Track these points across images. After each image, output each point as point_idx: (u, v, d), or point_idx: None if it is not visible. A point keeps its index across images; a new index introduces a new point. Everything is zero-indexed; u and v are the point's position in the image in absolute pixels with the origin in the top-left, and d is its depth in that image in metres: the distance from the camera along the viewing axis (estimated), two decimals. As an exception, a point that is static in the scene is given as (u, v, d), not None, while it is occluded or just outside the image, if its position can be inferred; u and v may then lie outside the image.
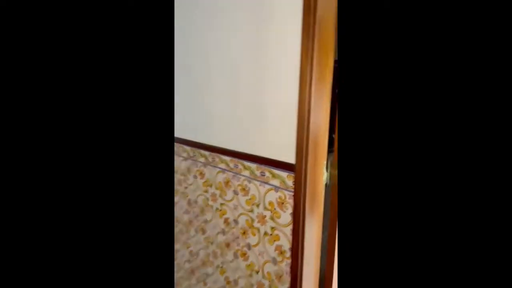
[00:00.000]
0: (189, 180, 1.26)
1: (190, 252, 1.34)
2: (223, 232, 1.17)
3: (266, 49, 0.88)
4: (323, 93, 0.86)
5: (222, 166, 1.11)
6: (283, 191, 0.91)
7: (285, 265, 0.95)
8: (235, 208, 1.10)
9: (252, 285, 1.08)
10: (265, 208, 0.98)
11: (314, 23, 0.78)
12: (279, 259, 0.96)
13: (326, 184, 0.97)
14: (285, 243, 0.94)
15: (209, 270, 1.27)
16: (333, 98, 0.97)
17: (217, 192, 1.16)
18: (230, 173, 1.08)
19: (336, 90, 0.98)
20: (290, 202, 0.89)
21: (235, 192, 1.08)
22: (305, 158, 0.83)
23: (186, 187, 1.29)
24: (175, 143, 1.28)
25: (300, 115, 0.82)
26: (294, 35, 0.81)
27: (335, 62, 0.94)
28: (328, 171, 0.95)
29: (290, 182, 0.88)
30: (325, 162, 0.94)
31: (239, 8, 0.94)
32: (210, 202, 1.20)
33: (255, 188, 1.00)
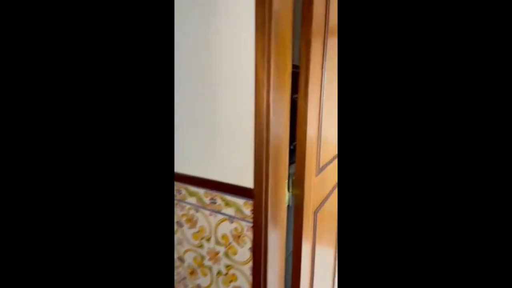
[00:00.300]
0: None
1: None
2: (166, 272, 0.93)
3: (212, 48, 0.71)
4: (283, 101, 0.72)
5: (161, 191, 0.88)
6: (240, 221, 0.74)
7: (244, 310, 0.78)
8: (180, 243, 0.88)
9: (204, 336, 0.87)
10: (218, 243, 0.79)
11: (270, 17, 0.64)
12: (237, 303, 0.79)
13: (288, 206, 0.83)
14: (244, 284, 0.77)
15: (149, 320, 1.01)
16: (292, 105, 0.85)
17: (156, 224, 0.92)
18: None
19: (294, 96, 0.87)
20: (248, 235, 0.73)
21: (179, 224, 0.87)
22: (265, 181, 0.68)
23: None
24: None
25: (257, 128, 0.67)
26: (246, 31, 0.66)
27: (293, 66, 0.83)
28: (290, 191, 0.82)
29: (247, 211, 0.72)
30: (286, 181, 0.80)
31: (176, -6, 0.74)
32: (147, 237, 0.95)
33: (204, 219, 0.80)
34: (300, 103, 0.79)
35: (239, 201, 0.72)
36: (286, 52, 0.73)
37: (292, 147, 0.88)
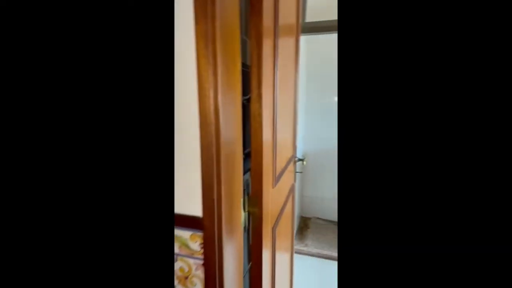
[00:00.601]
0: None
1: None
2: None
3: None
4: (234, 104, 0.59)
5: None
6: (186, 259, 0.58)
7: None
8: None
9: None
10: None
11: (215, -3, 0.50)
12: None
13: (244, 228, 0.71)
14: (196, 334, 0.61)
15: None
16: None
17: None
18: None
19: (247, 97, 0.75)
20: (198, 275, 0.57)
21: (102, 269, 0.65)
22: (217, 205, 0.54)
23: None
24: None
25: (204, 139, 0.52)
26: (182, 9, 0.50)
27: (243, 65, 0.71)
28: (246, 210, 0.70)
29: (196, 245, 0.56)
30: (242, 199, 0.68)
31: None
32: None
33: (137, 260, 0.61)
34: (253, 107, 0.68)
35: (184, 233, 0.56)
36: (234, 43, 0.60)
37: (243, 155, 0.76)
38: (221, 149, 0.53)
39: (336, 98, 2.36)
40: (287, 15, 0.94)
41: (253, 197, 0.69)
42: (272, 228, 0.83)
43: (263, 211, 0.70)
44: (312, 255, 2.03)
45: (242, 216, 0.67)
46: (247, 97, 0.86)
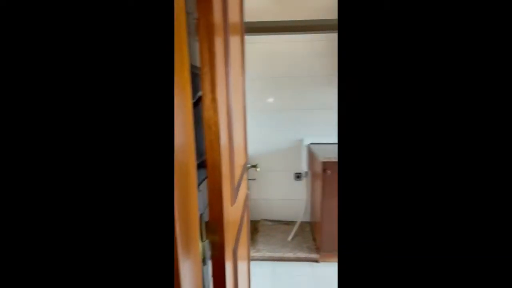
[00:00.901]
0: None
1: None
2: None
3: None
4: (184, 109, 0.47)
5: None
6: (130, 323, 0.42)
7: None
8: None
9: None
10: None
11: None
12: None
13: (203, 260, 0.59)
14: None
15: None
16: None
17: None
18: None
19: (194, 100, 0.63)
20: None
21: None
22: (171, 246, 0.41)
23: None
24: None
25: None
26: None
27: (192, 67, 0.58)
28: (204, 239, 0.58)
29: (143, 303, 0.42)
30: (198, 226, 0.55)
31: None
32: None
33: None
34: (207, 114, 0.56)
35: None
36: (180, 35, 0.48)
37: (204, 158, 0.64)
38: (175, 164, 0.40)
39: (270, 100, 2.39)
40: (233, 12, 0.85)
41: (212, 222, 0.58)
42: (233, 250, 0.73)
43: (225, 237, 0.59)
44: (265, 259, 2.00)
45: (200, 248, 0.55)
46: (194, 100, 0.74)
